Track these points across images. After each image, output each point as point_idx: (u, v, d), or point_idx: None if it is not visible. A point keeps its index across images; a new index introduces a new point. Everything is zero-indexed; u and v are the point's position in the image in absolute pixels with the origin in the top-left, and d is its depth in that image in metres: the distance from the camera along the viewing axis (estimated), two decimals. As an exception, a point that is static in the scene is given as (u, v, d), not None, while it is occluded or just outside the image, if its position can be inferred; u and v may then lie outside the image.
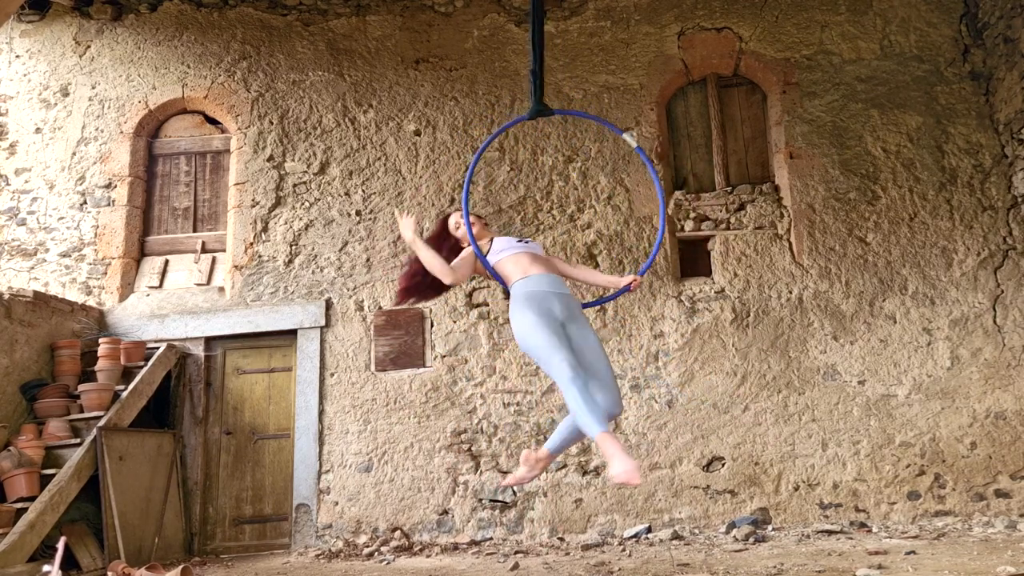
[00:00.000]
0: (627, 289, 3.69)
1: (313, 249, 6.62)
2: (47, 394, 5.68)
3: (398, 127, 6.84)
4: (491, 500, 5.95)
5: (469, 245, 3.73)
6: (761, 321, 6.26)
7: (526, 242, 3.72)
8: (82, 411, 5.63)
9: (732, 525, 5.66)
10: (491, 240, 3.73)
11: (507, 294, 3.57)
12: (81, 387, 5.71)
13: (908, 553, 4.35)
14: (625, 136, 4.01)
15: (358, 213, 6.67)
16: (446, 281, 3.59)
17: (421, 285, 3.81)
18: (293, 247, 6.63)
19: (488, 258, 3.61)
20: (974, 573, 3.68)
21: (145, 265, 6.88)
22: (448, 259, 3.65)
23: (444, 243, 3.88)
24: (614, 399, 3.23)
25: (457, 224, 3.91)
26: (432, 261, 3.53)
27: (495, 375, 6.22)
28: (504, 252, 3.61)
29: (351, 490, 6.07)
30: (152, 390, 6.01)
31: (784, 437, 6.00)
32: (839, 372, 6.12)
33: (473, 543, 5.74)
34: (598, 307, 6.29)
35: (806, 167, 6.57)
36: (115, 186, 6.88)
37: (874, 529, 5.56)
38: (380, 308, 6.43)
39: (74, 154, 6.98)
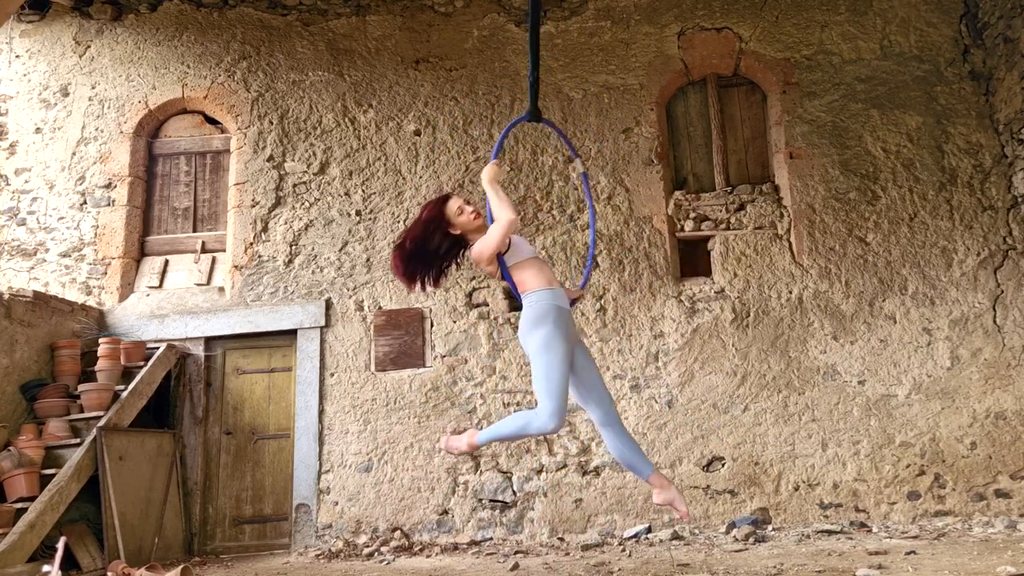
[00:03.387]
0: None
1: (313, 249, 6.62)
2: (47, 394, 5.68)
3: (398, 127, 6.84)
4: (491, 500, 5.95)
5: (473, 233, 3.26)
6: (761, 321, 6.25)
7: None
8: (82, 411, 5.63)
9: (732, 525, 5.65)
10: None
11: (514, 296, 3.26)
12: (81, 387, 5.71)
13: (908, 553, 4.35)
14: (575, 163, 3.61)
15: (358, 213, 6.67)
16: (507, 230, 3.07)
17: (421, 263, 3.28)
18: (293, 247, 6.63)
19: (507, 256, 3.17)
20: (974, 573, 3.67)
21: (145, 265, 6.88)
22: (440, 253, 3.26)
23: (435, 233, 3.24)
24: (609, 412, 3.26)
25: (460, 209, 3.24)
26: (505, 210, 3.08)
27: (495, 375, 6.22)
28: (525, 253, 3.23)
29: (351, 490, 6.07)
30: (152, 390, 6.01)
31: (784, 437, 6.00)
32: (839, 372, 6.12)
33: (473, 543, 5.74)
34: (598, 308, 6.30)
35: (806, 167, 6.57)
36: (115, 186, 6.87)
37: (874, 529, 5.56)
38: (380, 308, 6.43)
39: (74, 154, 6.97)
